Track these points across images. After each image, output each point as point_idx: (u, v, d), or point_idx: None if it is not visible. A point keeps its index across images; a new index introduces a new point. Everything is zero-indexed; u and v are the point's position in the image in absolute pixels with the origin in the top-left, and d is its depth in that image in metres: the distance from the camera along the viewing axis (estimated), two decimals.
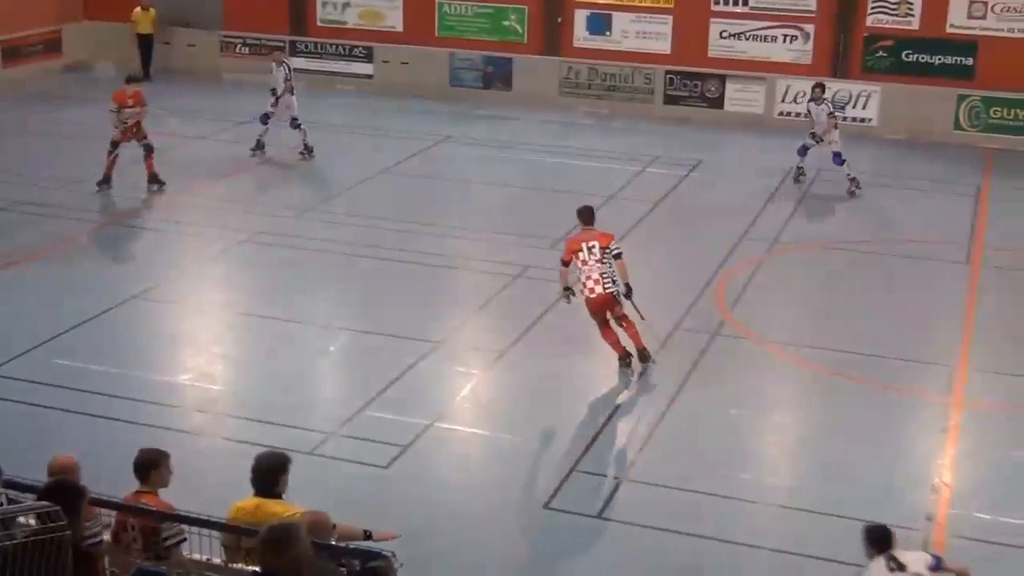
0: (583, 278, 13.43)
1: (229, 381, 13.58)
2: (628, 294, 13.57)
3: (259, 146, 22.22)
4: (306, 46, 28.91)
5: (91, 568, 6.49)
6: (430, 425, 12.23)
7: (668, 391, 13.14)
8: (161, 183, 19.85)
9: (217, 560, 7.31)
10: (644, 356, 13.64)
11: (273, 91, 22.20)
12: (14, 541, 6.03)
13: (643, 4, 27.01)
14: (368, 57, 28.61)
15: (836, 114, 21.30)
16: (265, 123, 22.10)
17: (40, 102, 26.10)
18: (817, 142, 21.00)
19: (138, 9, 28.92)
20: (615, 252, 13.59)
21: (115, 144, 19.60)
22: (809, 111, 21.40)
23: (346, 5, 28.93)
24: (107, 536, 7.75)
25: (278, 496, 7.68)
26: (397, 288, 16.04)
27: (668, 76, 26.69)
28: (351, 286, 16.34)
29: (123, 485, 7.94)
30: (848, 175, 20.85)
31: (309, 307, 15.47)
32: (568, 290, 13.75)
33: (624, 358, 13.60)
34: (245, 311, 15.49)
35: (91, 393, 12.63)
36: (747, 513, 10.89)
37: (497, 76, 27.83)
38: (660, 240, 18.53)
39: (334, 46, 28.79)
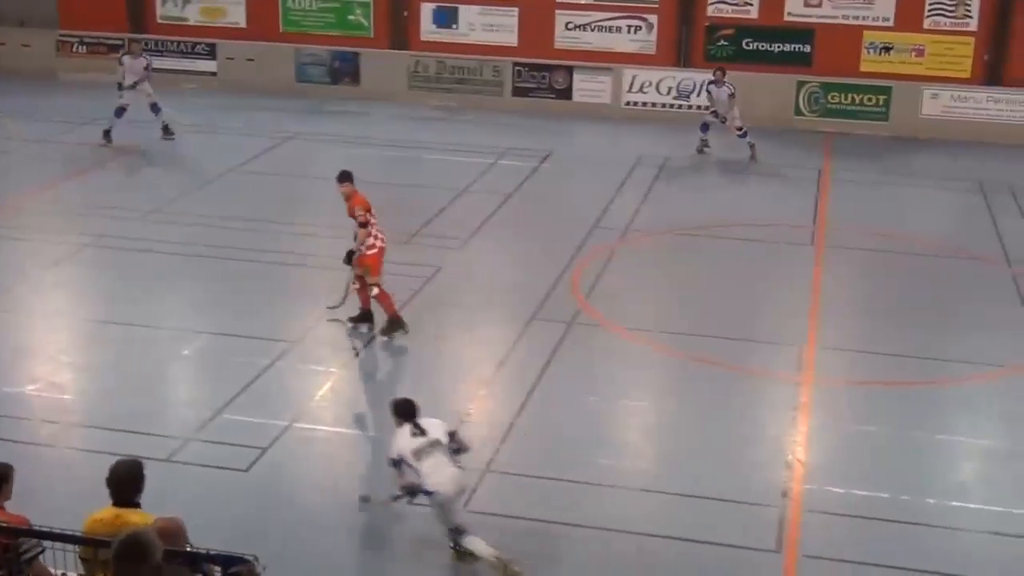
0: (375, 232, 14.20)
1: (78, 390, 13.17)
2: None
3: (108, 136, 22.42)
4: (146, 44, 28.18)
5: None
6: (289, 426, 12.06)
7: (527, 380, 13.21)
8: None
9: (73, 574, 7.09)
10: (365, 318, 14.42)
11: (119, 84, 22.25)
12: None
13: None
14: (211, 54, 28.10)
15: (735, 94, 22.76)
16: (120, 116, 22.29)
17: None
18: (722, 122, 22.74)
19: None
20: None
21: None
22: (710, 92, 23.18)
23: (187, 2, 28.40)
24: None
25: (136, 506, 7.48)
26: (250, 289, 15.79)
27: (516, 68, 26.83)
28: (202, 288, 16.02)
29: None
30: (749, 143, 22.87)
31: (159, 311, 15.11)
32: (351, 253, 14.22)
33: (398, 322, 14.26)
34: (91, 318, 15.07)
35: None
36: (609, 498, 11.00)
37: (344, 71, 27.61)
38: (513, 232, 18.62)
39: (175, 43, 28.19)
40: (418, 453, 9.59)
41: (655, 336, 14.65)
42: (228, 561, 6.70)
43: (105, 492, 7.57)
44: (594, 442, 12.06)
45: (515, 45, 27.04)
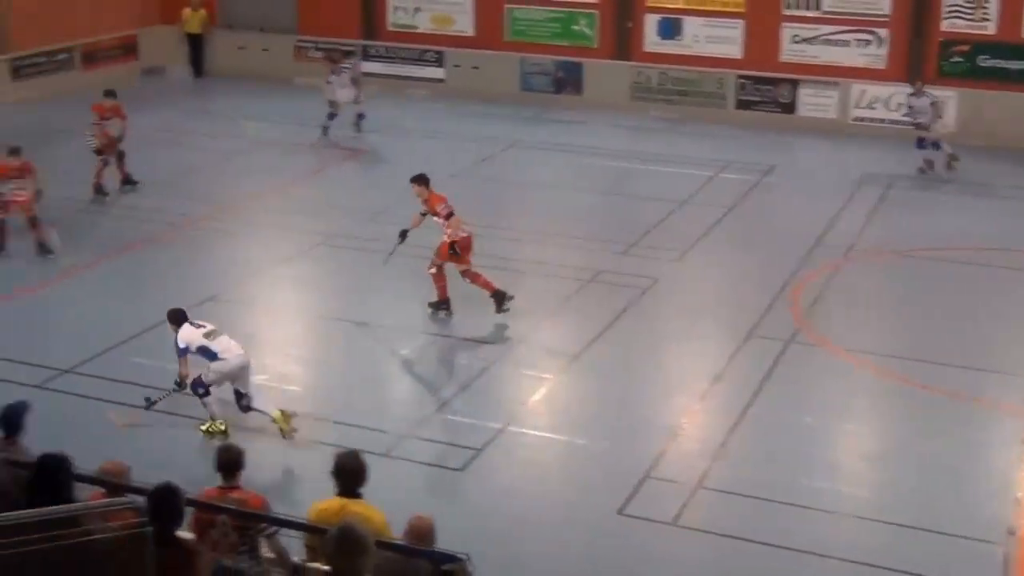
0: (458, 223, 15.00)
1: (305, 382, 13.67)
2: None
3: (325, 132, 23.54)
4: (377, 50, 29.07)
5: (192, 563, 6.57)
6: (503, 429, 12.23)
7: (743, 398, 13.04)
8: (135, 183, 20.28)
9: (297, 559, 7.35)
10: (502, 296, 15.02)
11: (332, 103, 23.59)
12: (100, 536, 6.12)
13: (714, 8, 26.85)
14: (439, 61, 28.71)
15: (938, 103, 22.14)
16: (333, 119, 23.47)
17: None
18: (928, 135, 22.12)
19: (187, 10, 29.57)
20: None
21: (99, 152, 19.88)
22: (911, 105, 22.26)
23: (417, 10, 29.06)
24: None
25: (359, 497, 7.71)
26: (469, 292, 16.05)
27: (740, 81, 26.50)
28: (424, 290, 16.36)
29: (192, 482, 8.00)
30: (947, 151, 22.06)
31: (383, 309, 15.53)
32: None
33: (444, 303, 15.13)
34: (320, 313, 15.61)
35: (159, 391, 12.76)
36: (822, 523, 10.77)
37: (567, 80, 27.79)
38: (733, 245, 18.38)
39: (405, 50, 28.92)
40: (209, 335, 11.91)
41: (876, 359, 14.23)
42: (441, 558, 6.83)
43: (327, 482, 7.84)
44: (809, 464, 11.82)
45: (739, 57, 26.70)
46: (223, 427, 11.94)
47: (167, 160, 22.17)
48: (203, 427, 11.98)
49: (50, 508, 6.07)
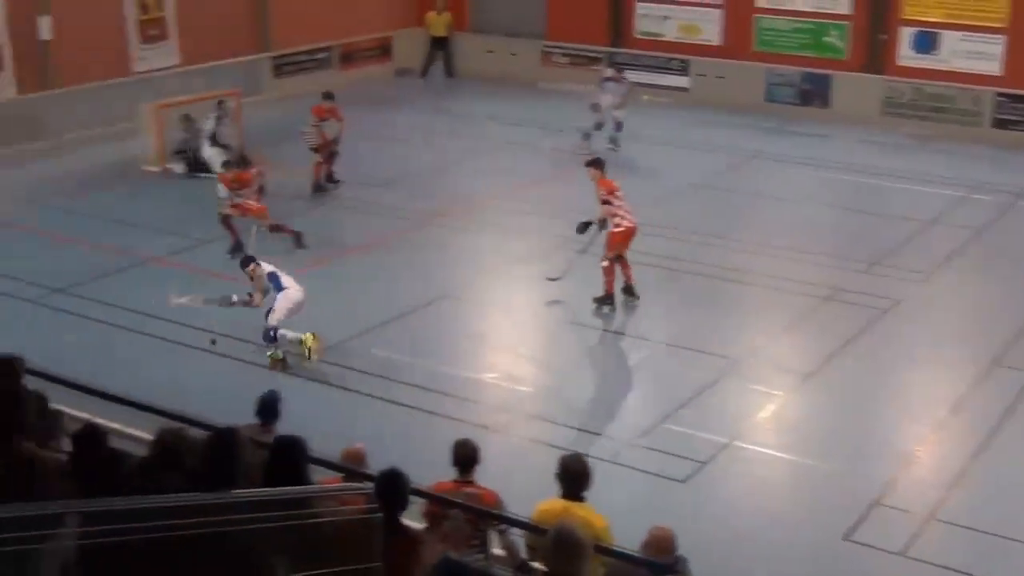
0: (622, 213, 15.53)
1: (534, 383, 13.81)
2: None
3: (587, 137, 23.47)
4: (623, 57, 29.14)
5: (413, 550, 6.74)
6: (729, 443, 12.07)
7: (983, 428, 12.48)
8: (337, 182, 20.93)
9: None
10: (631, 291, 15.71)
11: (596, 106, 23.36)
12: (331, 519, 6.32)
13: (974, 23, 25.79)
14: (684, 70, 28.57)
15: None
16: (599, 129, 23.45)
17: (371, 104, 27.35)
18: None
19: (432, 13, 30.32)
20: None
21: (316, 151, 20.64)
22: None
23: (665, 18, 29.00)
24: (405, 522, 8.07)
25: (583, 500, 7.74)
26: (702, 302, 15.93)
27: (997, 99, 25.35)
28: (655, 298, 16.32)
29: (423, 473, 8.19)
30: None
31: (617, 316, 15.55)
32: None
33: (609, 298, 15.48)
34: (551, 315, 15.75)
35: (399, 383, 13.16)
36: None
37: (814, 93, 27.20)
38: (981, 270, 17.60)
39: (650, 58, 28.90)
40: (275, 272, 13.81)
41: None
42: (658, 568, 6.80)
43: (549, 484, 7.90)
44: None
45: (998, 74, 25.55)
46: (282, 355, 13.72)
47: (410, 158, 22.82)
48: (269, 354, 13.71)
49: (283, 488, 6.32)
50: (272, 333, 13.71)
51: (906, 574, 10.11)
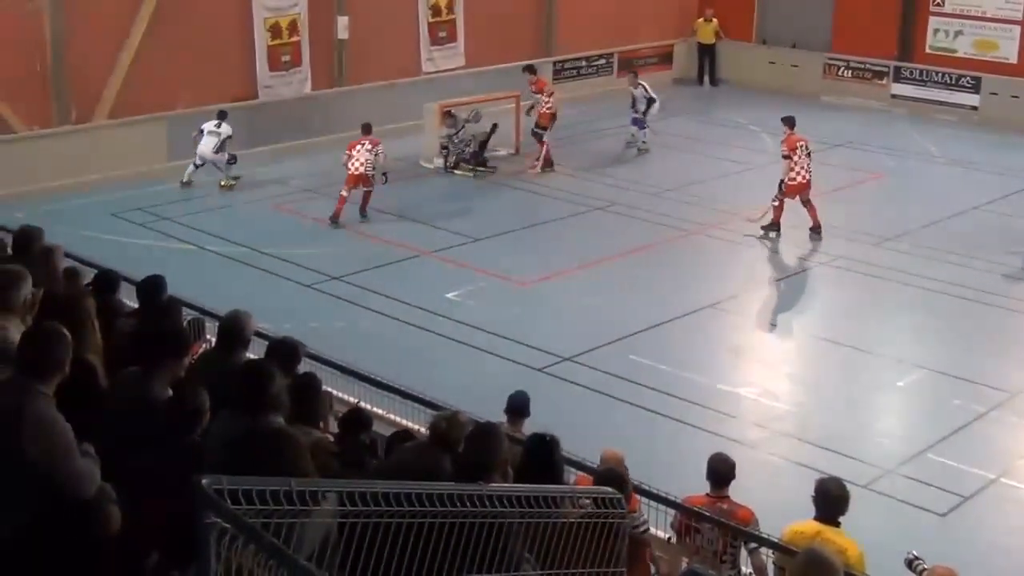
0: (798, 167, 18.20)
1: (792, 401, 13.61)
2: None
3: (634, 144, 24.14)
4: (911, 72, 28.22)
5: (638, 554, 6.81)
6: (995, 480, 11.57)
7: None
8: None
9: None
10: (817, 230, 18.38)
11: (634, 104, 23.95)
12: (575, 519, 6.46)
13: None
14: (975, 88, 27.40)
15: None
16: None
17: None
18: None
19: (700, 20, 30.38)
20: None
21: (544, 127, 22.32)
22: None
23: (959, 33, 27.90)
24: (656, 530, 8.15)
25: (838, 525, 7.59)
26: (977, 331, 15.29)
27: None
28: (929, 323, 15.78)
29: (674, 483, 8.25)
30: None
31: (883, 338, 15.16)
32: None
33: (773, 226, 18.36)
34: (815, 333, 15.47)
35: (654, 390, 13.22)
36: None
37: None
38: None
39: (940, 74, 27.85)
40: None
41: None
42: None
43: (801, 505, 7.81)
44: None
45: None
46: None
47: (684, 167, 22.80)
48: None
49: (536, 486, 6.50)
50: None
51: None
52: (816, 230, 18.43)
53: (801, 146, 18.29)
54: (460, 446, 6.20)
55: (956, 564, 10.01)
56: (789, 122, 18.72)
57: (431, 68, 26.19)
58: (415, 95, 23.86)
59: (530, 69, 23.38)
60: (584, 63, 29.10)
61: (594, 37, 28.85)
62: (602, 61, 29.47)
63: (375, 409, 8.58)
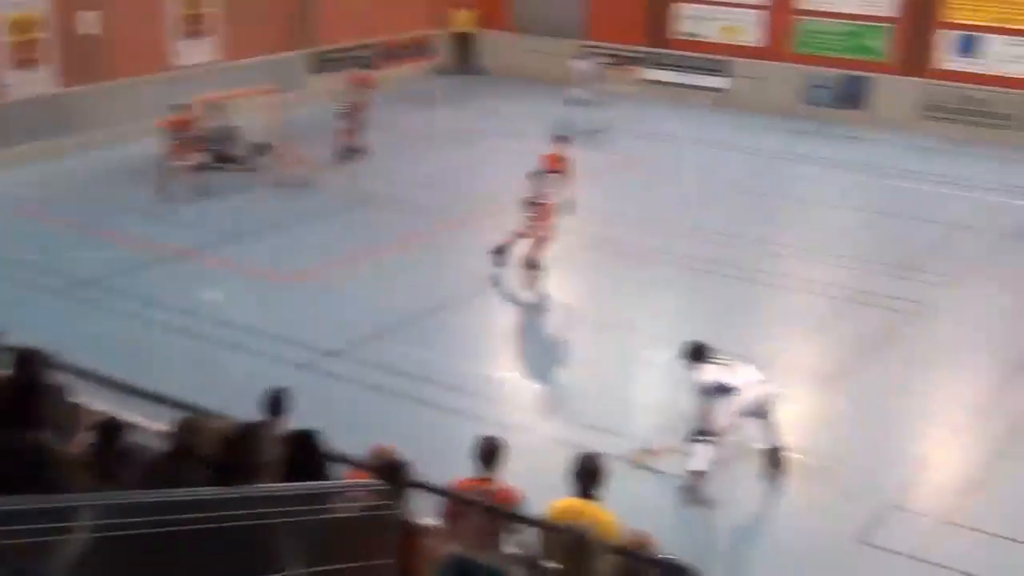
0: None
1: (555, 381, 13.97)
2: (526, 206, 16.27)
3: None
4: (662, 58, 29.21)
5: (409, 544, 6.88)
6: (742, 441, 12.11)
7: (1004, 434, 12.52)
8: (361, 151, 22.28)
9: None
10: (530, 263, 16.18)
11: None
12: (344, 514, 6.49)
13: (1018, 27, 25.66)
14: (722, 71, 28.59)
15: None
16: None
17: (408, 103, 27.54)
18: None
19: (458, 10, 31.12)
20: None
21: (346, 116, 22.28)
22: None
23: (705, 19, 29.02)
24: (425, 518, 8.23)
25: (595, 499, 7.88)
26: (730, 304, 16.01)
27: None
28: (687, 300, 16.43)
29: (445, 471, 8.35)
30: None
31: (642, 316, 15.68)
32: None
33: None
34: (578, 315, 15.89)
35: (421, 380, 13.33)
36: None
37: (853, 96, 27.15)
38: (1012, 276, 17.57)
39: (690, 59, 28.93)
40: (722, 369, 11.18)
41: None
42: (671, 569, 6.91)
43: (562, 481, 8.06)
44: None
45: None
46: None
47: (444, 157, 23.00)
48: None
49: (300, 484, 6.50)
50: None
51: None
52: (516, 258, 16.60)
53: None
54: (210, 450, 6.14)
55: (708, 529, 10.57)
56: (562, 139, 17.47)
57: (184, 62, 25.56)
58: (168, 90, 23.25)
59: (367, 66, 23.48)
60: (343, 55, 28.93)
61: (354, 28, 28.71)
62: (363, 52, 29.36)
63: (132, 417, 8.37)
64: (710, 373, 11.21)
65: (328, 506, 6.41)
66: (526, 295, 16.13)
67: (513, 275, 16.44)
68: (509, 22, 31.54)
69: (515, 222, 16.43)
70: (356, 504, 6.69)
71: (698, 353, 11.28)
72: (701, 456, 11.04)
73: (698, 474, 11.00)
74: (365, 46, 29.25)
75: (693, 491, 11.00)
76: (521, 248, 16.39)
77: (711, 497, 11.09)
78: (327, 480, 7.08)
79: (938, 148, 24.63)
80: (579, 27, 30.38)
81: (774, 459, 11.51)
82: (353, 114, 22.22)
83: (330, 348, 14.17)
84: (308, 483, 6.64)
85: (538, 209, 16.24)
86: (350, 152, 22.23)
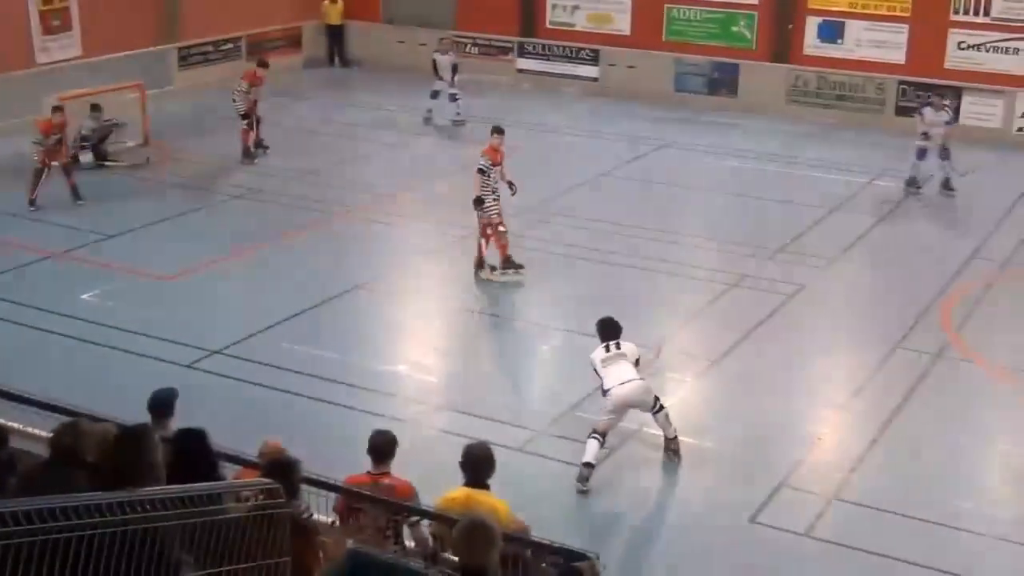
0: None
1: (445, 373, 13.88)
2: (476, 205, 16.04)
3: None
4: (534, 47, 29.25)
5: (304, 542, 6.73)
6: (638, 430, 12.18)
7: (885, 411, 12.77)
8: (267, 147, 21.92)
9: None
10: (506, 263, 16.19)
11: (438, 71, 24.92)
12: (236, 515, 6.30)
13: (878, 12, 26.29)
14: (594, 60, 28.74)
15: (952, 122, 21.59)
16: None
17: (280, 96, 27.09)
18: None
19: (327, 1, 30.55)
20: (478, 167, 16.21)
21: (245, 116, 21.61)
22: (922, 115, 21.28)
23: (575, 8, 29.13)
24: (320, 515, 8.06)
25: (486, 488, 7.83)
26: (611, 291, 16.07)
27: (901, 87, 25.89)
28: (567, 287, 16.44)
29: (334, 467, 8.20)
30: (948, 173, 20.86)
31: (525, 306, 15.67)
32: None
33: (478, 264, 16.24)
34: (462, 306, 15.81)
35: (310, 376, 13.12)
36: (964, 543, 10.51)
37: (723, 82, 27.53)
38: (884, 255, 18.00)
39: (562, 48, 29.03)
40: (605, 361, 11.34)
41: None
42: (570, 556, 6.88)
43: (457, 471, 7.98)
44: (955, 483, 11.53)
45: (902, 63, 26.10)
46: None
47: (317, 150, 22.70)
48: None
49: (188, 485, 6.29)
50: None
51: (811, 554, 10.33)
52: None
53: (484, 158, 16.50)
54: (93, 455, 5.90)
55: (607, 514, 10.59)
56: (499, 130, 16.93)
57: (45, 59, 24.76)
58: (30, 88, 22.52)
59: (263, 64, 22.64)
60: (211, 48, 28.37)
61: (220, 21, 28.12)
62: (230, 46, 28.81)
63: (13, 424, 8.04)
64: (597, 358, 11.32)
65: (219, 507, 6.23)
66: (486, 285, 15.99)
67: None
68: (379, 13, 31.23)
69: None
70: (247, 504, 6.51)
71: (604, 329, 11.65)
72: (591, 449, 11.04)
73: (588, 465, 11.00)
74: (233, 39, 28.70)
75: (584, 481, 10.98)
76: (489, 250, 16.29)
77: (597, 486, 11.09)
78: (217, 480, 6.88)
79: (807, 132, 25.09)
80: (450, 18, 30.23)
81: (667, 446, 11.57)
82: (252, 111, 21.63)
83: (216, 346, 13.84)
84: (197, 484, 6.43)
85: (491, 204, 16.13)
86: (256, 149, 21.68)
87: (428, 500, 7.97)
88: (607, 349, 11.47)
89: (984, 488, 11.76)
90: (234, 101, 21.64)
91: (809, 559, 10.30)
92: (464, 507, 7.55)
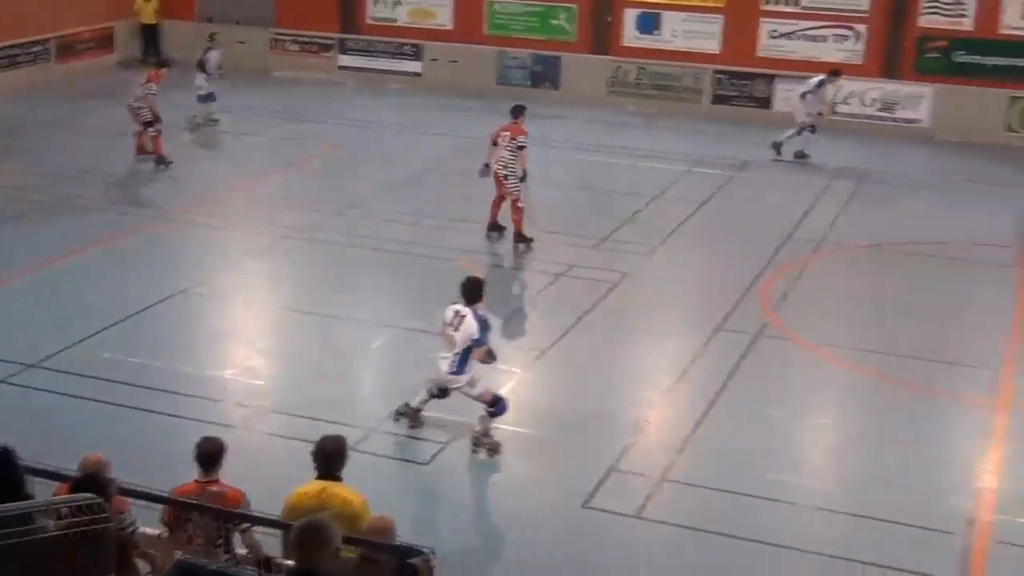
0: (494, 158, 17.38)
1: (273, 376, 13.69)
2: (522, 178, 17.29)
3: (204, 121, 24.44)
4: (356, 44, 29.07)
5: (124, 558, 6.57)
6: (472, 424, 12.23)
7: (709, 392, 13.11)
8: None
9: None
10: (519, 238, 17.25)
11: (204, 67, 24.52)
12: (53, 532, 6.11)
13: (693, 3, 26.95)
14: (417, 55, 28.73)
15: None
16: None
17: (92, 98, 26.38)
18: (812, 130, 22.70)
19: (140, 0, 29.88)
20: (518, 144, 17.25)
21: (152, 123, 20.99)
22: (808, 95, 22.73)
23: (396, 3, 29.07)
24: (144, 528, 7.88)
25: (339, 480, 7.79)
26: (440, 286, 16.05)
27: (716, 76, 26.61)
28: (394, 283, 16.42)
29: (163, 478, 8.04)
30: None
31: (352, 303, 15.56)
32: (486, 166, 17.47)
33: (492, 227, 17.60)
34: (288, 307, 15.62)
35: (134, 386, 12.77)
36: (785, 515, 10.85)
37: (545, 75, 27.85)
38: (704, 240, 18.50)
39: (383, 44, 28.93)
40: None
41: (844, 353, 14.34)
42: (405, 552, 6.87)
43: (295, 475, 7.90)
44: (774, 458, 11.89)
45: (717, 52, 26.83)
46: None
47: (128, 150, 22.11)
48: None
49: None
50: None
51: (644, 534, 10.53)
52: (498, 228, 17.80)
53: (506, 136, 17.50)
54: None
55: (441, 508, 10.61)
56: (518, 111, 17.81)
57: None
58: None
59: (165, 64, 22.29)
60: (19, 51, 27.37)
61: (27, 22, 27.13)
62: (38, 48, 27.84)
63: None
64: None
65: (33, 526, 6.03)
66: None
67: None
68: (194, 12, 30.60)
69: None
70: (64, 521, 6.31)
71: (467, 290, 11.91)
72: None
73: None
74: (42, 41, 27.75)
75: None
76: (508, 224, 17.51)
77: (431, 481, 11.12)
78: (28, 499, 6.64)
79: (628, 122, 25.58)
80: (269, 15, 29.84)
81: (482, 437, 11.62)
82: (157, 117, 20.95)
83: (32, 358, 13.33)
84: (7, 504, 6.21)
85: (514, 182, 17.20)
86: (160, 158, 20.99)
87: (260, 505, 7.84)
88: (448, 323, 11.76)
89: (803, 462, 12.17)
90: (138, 109, 20.83)
91: (641, 539, 10.49)
92: (317, 500, 7.51)
